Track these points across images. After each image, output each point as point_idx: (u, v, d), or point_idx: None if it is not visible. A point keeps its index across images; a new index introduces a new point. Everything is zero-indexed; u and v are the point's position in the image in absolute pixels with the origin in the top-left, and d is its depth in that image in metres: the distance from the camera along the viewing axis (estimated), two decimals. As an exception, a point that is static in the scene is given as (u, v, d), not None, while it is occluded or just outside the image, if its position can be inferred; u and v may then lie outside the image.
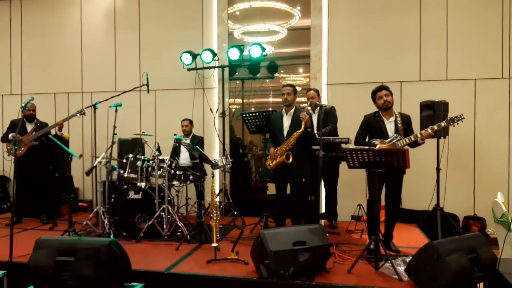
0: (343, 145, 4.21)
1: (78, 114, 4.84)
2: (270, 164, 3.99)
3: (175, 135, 4.78)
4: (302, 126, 3.86)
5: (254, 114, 4.34)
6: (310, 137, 3.91)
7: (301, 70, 6.13)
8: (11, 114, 6.52)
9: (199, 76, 6.07)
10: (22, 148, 4.96)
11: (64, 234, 4.01)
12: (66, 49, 6.69)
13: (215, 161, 4.24)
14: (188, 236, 4.06)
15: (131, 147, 5.32)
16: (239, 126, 6.20)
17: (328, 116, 4.44)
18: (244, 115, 4.41)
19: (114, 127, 4.32)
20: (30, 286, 2.72)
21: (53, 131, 5.12)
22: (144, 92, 6.11)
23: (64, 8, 6.71)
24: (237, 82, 6.06)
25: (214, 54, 5.69)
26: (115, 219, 4.30)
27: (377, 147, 3.58)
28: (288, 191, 4.12)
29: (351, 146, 3.66)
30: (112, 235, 4.11)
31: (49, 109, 6.64)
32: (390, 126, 3.76)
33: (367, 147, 3.35)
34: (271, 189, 5.67)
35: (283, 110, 4.11)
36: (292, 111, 4.06)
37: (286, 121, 4.05)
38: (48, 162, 5.31)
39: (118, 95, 4.76)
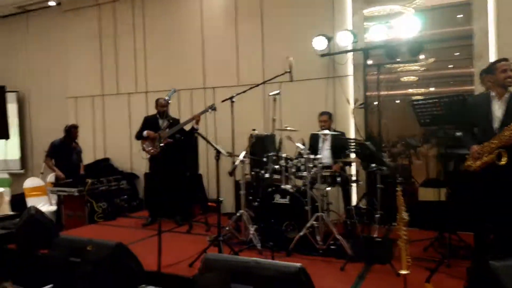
0: None
1: (209, 110, 4.47)
2: (472, 165, 3.03)
3: (320, 130, 4.11)
4: None
5: (431, 100, 3.43)
6: None
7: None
8: (137, 112, 6.57)
9: (332, 63, 5.33)
10: (161, 145, 4.75)
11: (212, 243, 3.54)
12: (188, 46, 6.49)
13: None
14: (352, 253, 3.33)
15: (262, 144, 4.80)
16: (375, 121, 5.32)
17: None
18: (415, 102, 3.54)
19: (273, 119, 3.79)
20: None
21: (186, 127, 4.83)
22: (267, 85, 5.57)
23: (185, 4, 6.52)
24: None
25: (354, 35, 4.89)
26: (260, 226, 3.78)
27: None
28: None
29: None
30: (259, 245, 3.58)
31: (173, 106, 6.50)
32: None
33: None
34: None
35: (492, 93, 3.06)
36: (507, 95, 2.98)
37: (499, 109, 2.98)
38: (180, 161, 5.05)
39: (258, 85, 4.28)
